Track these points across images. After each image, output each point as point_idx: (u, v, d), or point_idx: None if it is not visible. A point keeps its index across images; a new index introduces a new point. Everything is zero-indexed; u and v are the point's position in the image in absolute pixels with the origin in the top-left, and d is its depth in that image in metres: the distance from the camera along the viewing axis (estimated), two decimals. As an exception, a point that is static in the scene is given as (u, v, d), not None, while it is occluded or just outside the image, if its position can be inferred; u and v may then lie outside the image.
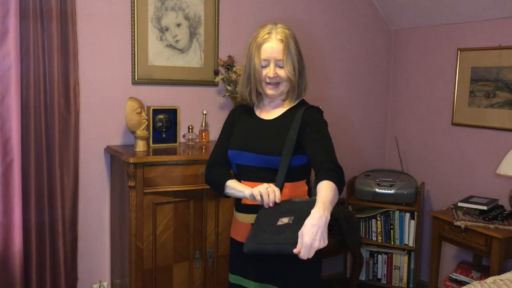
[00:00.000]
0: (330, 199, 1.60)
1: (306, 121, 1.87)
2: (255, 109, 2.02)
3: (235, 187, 1.86)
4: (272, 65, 1.87)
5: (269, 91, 1.91)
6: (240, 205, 1.95)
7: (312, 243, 1.51)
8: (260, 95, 1.99)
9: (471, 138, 3.45)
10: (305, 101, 2.02)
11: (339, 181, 1.69)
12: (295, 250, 1.53)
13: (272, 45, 1.87)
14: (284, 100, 1.97)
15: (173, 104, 3.01)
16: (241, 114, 2.03)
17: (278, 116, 1.95)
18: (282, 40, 1.87)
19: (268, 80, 1.89)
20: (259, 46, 1.88)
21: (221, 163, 1.98)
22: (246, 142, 1.91)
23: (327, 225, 1.54)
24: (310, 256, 1.53)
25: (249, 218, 1.89)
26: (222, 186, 1.90)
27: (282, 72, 1.88)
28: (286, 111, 1.95)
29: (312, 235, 1.51)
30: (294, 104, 1.97)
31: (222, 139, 2.03)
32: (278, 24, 1.91)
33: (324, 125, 1.90)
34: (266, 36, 1.88)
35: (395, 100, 4.04)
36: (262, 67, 1.89)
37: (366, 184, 3.56)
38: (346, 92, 3.83)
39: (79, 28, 2.70)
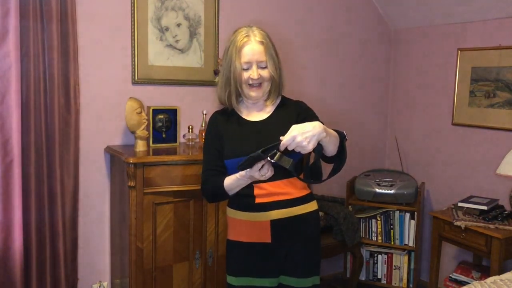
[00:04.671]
0: (329, 130, 1.72)
1: (301, 112, 1.97)
2: (238, 112, 2.01)
3: (232, 183, 1.86)
4: (254, 67, 1.90)
5: (253, 93, 1.93)
6: (240, 203, 1.94)
7: (297, 136, 1.57)
8: (239, 97, 2.00)
9: (471, 138, 3.45)
10: (286, 97, 2.07)
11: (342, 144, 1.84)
12: (281, 137, 1.60)
13: (253, 48, 1.89)
14: (266, 100, 2.00)
15: (173, 104, 3.01)
16: (225, 121, 2.00)
17: (270, 115, 1.99)
18: (262, 42, 1.91)
19: (251, 82, 1.91)
20: (239, 50, 1.90)
21: (214, 177, 1.95)
22: (251, 147, 1.84)
23: (319, 137, 1.61)
24: (290, 147, 1.58)
25: (248, 216, 1.91)
26: (223, 190, 1.89)
27: (264, 73, 1.92)
28: (275, 109, 2.00)
29: (301, 129, 1.58)
30: (279, 102, 2.02)
31: (210, 151, 1.98)
32: (253, 26, 1.94)
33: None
34: (245, 40, 1.90)
35: (395, 100, 4.04)
36: (243, 69, 1.91)
37: (366, 184, 3.57)
38: (346, 92, 3.83)
39: (79, 28, 2.69)
